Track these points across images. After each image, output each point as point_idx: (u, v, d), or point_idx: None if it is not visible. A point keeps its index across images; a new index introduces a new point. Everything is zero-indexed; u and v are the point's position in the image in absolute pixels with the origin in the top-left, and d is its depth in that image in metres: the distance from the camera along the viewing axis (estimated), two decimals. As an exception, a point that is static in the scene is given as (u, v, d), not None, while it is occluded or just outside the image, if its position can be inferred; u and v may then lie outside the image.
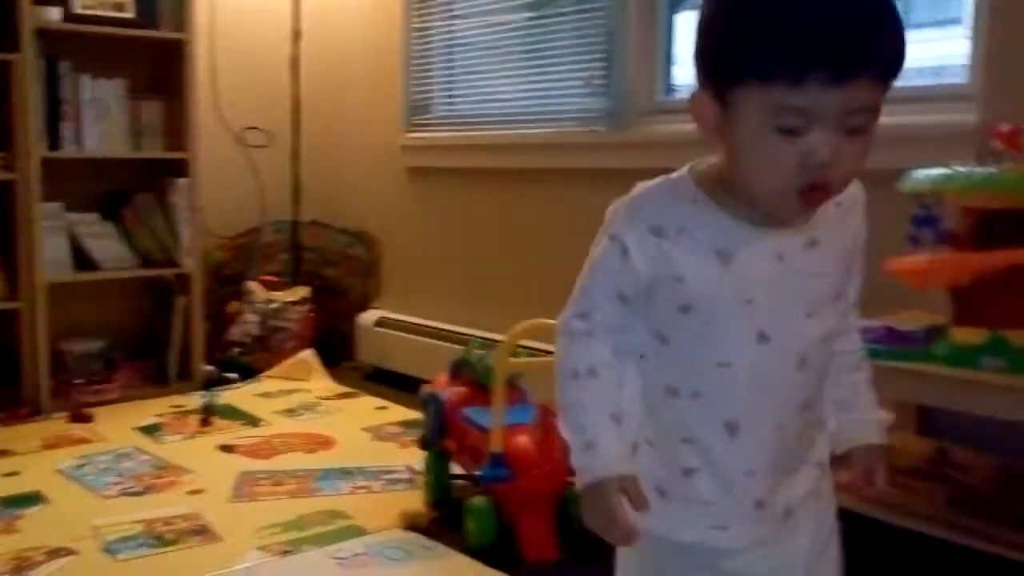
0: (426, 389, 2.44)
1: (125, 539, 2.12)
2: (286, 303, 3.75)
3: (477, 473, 2.13)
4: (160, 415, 3.13)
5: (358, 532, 2.17)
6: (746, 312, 0.98)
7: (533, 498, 2.06)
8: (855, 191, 1.04)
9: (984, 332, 1.62)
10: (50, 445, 2.82)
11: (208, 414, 3.09)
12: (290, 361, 3.65)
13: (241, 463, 2.66)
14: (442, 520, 2.23)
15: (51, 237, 3.19)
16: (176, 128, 3.44)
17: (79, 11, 3.18)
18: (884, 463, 1.10)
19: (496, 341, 2.35)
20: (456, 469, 2.34)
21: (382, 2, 3.74)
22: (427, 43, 3.58)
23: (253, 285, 3.77)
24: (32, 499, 2.37)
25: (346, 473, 2.57)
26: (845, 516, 1.14)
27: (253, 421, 3.07)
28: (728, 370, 0.99)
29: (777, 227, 0.97)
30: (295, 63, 3.85)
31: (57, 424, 3.04)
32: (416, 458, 2.51)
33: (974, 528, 1.41)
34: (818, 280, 1.01)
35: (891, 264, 1.70)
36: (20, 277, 3.15)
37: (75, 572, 1.97)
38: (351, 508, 2.31)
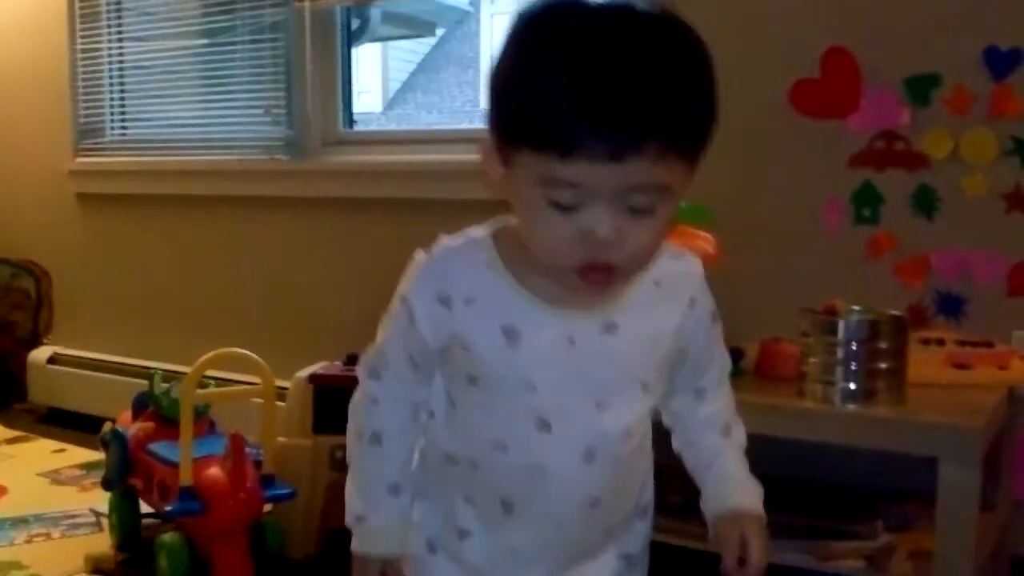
0: (107, 427, 2.36)
1: None
2: (-59, 343, 3.44)
3: (167, 508, 2.10)
4: None
5: (38, 582, 2.07)
6: (527, 397, 0.91)
7: (227, 529, 2.06)
8: (684, 267, 0.97)
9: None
10: None
11: None
12: (-52, 406, 3.36)
13: None
14: (130, 561, 2.18)
15: None
16: None
17: None
18: (760, 534, 1.00)
19: (181, 373, 2.33)
20: (145, 509, 2.29)
21: (43, 22, 3.53)
22: (97, 64, 3.43)
23: (-100, 325, 3.43)
24: None
25: (20, 522, 2.41)
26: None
27: (-92, 475, 2.80)
28: (504, 452, 0.93)
29: (573, 307, 0.90)
30: (-57, 83, 3.56)
31: None
32: (100, 501, 2.41)
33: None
34: (615, 369, 0.93)
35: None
36: None
37: None
38: (27, 557, 2.19)
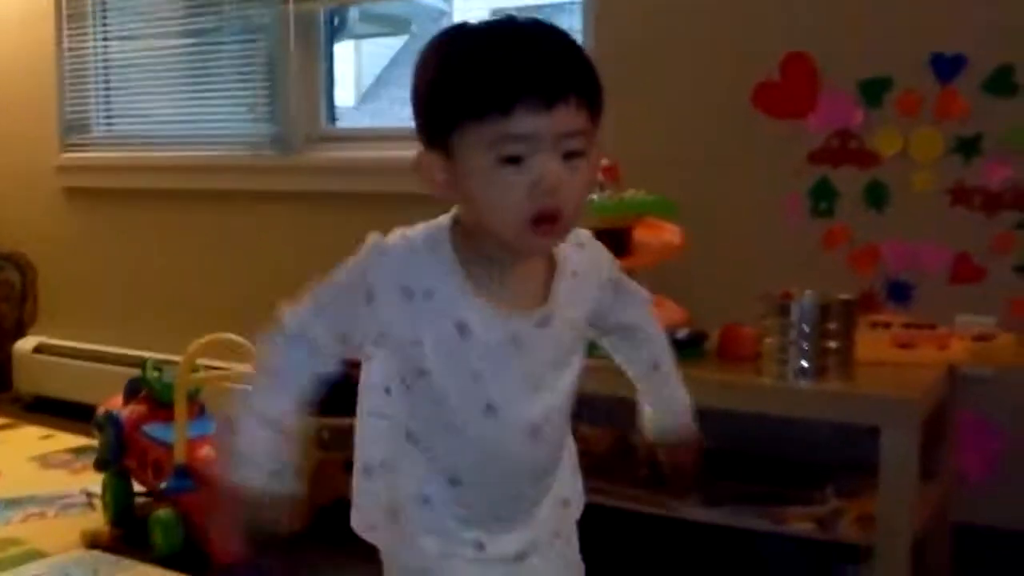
0: (101, 410, 2.45)
1: None
2: (-72, 333, 3.51)
3: (162, 486, 2.20)
4: None
5: (38, 555, 2.17)
6: (474, 387, 1.00)
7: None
8: (592, 255, 1.09)
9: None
10: None
11: None
12: (-64, 395, 3.43)
13: None
14: (125, 538, 2.28)
15: None
16: None
17: None
18: (693, 446, 1.24)
19: (166, 361, 2.42)
20: (138, 488, 2.39)
21: (30, 21, 3.61)
22: (83, 62, 3.51)
23: None
24: None
25: (15, 503, 2.51)
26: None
27: (-101, 460, 2.88)
28: (456, 437, 1.02)
29: (518, 309, 1.01)
30: (-69, 79, 3.63)
31: None
32: (92, 482, 2.51)
33: (600, 488, 1.72)
34: (547, 354, 1.03)
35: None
36: None
37: None
38: (26, 534, 2.29)
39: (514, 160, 0.92)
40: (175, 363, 2.30)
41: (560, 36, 0.97)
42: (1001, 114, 2.00)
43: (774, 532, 1.74)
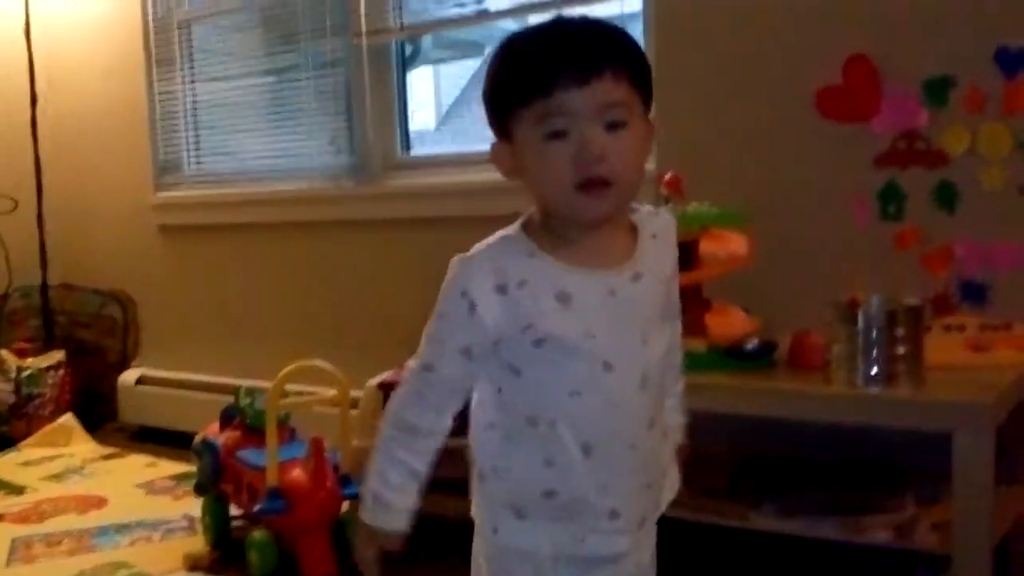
0: (199, 438, 2.57)
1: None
2: (40, 369, 3.71)
3: (256, 508, 2.29)
4: (-86, 494, 3.04)
5: (144, 578, 2.29)
6: (590, 345, 1.07)
7: (310, 525, 2.25)
8: (665, 221, 1.17)
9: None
10: None
11: (-32, 488, 3.04)
12: (49, 427, 3.61)
13: (11, 530, 2.67)
14: (223, 559, 2.38)
15: None
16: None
17: None
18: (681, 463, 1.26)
19: (260, 388, 2.52)
20: (234, 512, 2.49)
21: (122, 69, 3.81)
22: (173, 105, 3.69)
23: (4, 353, 3.71)
24: None
25: (123, 527, 2.64)
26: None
27: (17, 490, 3.05)
28: (580, 398, 1.08)
29: (605, 267, 1.09)
30: (34, 127, 3.85)
31: None
32: (193, 507, 2.63)
33: (676, 500, 1.74)
34: (647, 308, 1.11)
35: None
36: None
37: None
38: (133, 558, 2.41)
39: (559, 134, 1.02)
40: (267, 390, 2.40)
41: (599, 23, 1.07)
42: (1071, 107, 1.97)
43: (852, 542, 1.73)
